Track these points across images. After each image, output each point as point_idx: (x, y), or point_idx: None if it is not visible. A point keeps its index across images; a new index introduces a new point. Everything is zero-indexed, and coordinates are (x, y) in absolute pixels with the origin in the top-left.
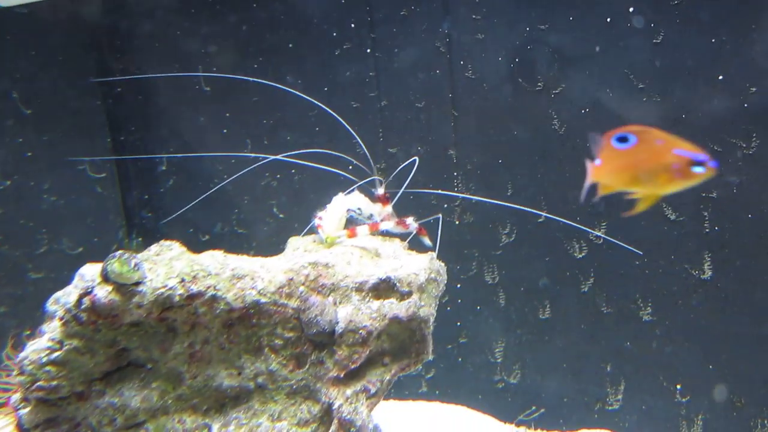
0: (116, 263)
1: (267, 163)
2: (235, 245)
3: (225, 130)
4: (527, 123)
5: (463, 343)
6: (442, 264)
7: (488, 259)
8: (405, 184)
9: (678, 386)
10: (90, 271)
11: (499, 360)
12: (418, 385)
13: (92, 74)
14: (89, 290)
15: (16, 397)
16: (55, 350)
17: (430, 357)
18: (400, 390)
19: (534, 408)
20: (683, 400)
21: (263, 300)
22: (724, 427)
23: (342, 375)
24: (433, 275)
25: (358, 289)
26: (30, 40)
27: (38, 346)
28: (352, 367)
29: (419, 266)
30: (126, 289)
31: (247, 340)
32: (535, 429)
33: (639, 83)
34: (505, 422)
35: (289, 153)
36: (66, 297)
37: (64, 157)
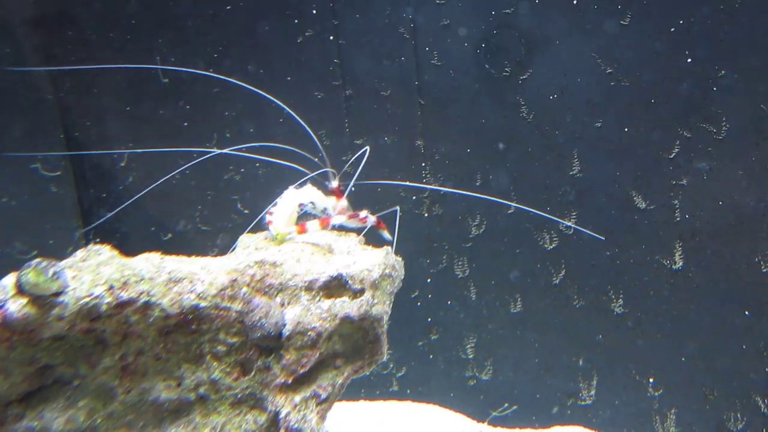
0: (31, 273)
1: (231, 157)
2: (198, 243)
3: (186, 123)
4: (495, 110)
5: (434, 339)
6: (399, 258)
7: (458, 252)
8: (355, 176)
9: (651, 380)
10: (9, 281)
11: (470, 356)
12: (390, 384)
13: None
14: (1, 304)
15: None
16: None
17: (385, 358)
18: (371, 390)
19: (506, 405)
20: (656, 394)
21: (203, 304)
22: (696, 421)
23: (290, 381)
24: (387, 271)
25: (308, 288)
26: None
27: None
28: (301, 371)
29: (373, 262)
30: (43, 300)
31: (186, 348)
32: (508, 427)
33: (607, 67)
34: (477, 421)
35: (236, 147)
36: None
37: (12, 153)
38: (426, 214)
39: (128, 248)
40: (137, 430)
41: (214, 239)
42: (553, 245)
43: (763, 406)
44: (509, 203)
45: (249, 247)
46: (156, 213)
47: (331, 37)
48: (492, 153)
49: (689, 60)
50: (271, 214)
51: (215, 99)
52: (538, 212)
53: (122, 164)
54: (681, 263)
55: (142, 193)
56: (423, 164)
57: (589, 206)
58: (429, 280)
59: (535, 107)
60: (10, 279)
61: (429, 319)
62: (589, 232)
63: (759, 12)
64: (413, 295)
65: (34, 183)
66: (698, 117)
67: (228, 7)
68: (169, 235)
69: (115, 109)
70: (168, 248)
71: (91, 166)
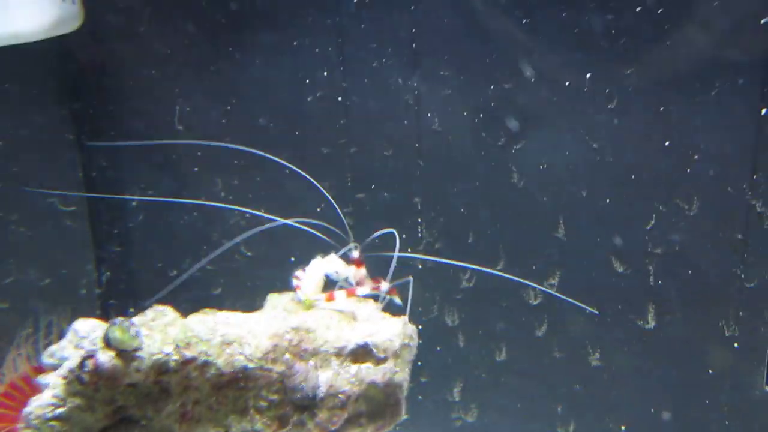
0: (117, 331)
1: (237, 202)
2: (202, 282)
3: (196, 169)
4: (488, 175)
5: (423, 382)
6: (414, 328)
7: (449, 303)
8: (393, 264)
9: (622, 427)
10: (84, 327)
11: (457, 399)
12: None
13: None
14: (91, 354)
15: None
16: (59, 407)
17: (404, 417)
18: None
19: None
20: None
21: (250, 365)
22: None
23: None
24: (406, 341)
25: (338, 354)
26: None
27: (42, 402)
28: (332, 429)
29: (394, 332)
30: (127, 354)
31: (234, 402)
32: None
33: (593, 144)
34: None
35: (274, 218)
36: (61, 351)
37: (32, 188)
38: (420, 266)
39: (137, 281)
40: None
41: (218, 278)
42: (537, 301)
43: None
44: (503, 274)
45: (277, 308)
46: (163, 250)
47: (340, 98)
48: (484, 214)
49: (667, 143)
50: (297, 278)
51: (226, 150)
52: (527, 282)
53: (134, 204)
54: (653, 323)
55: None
56: (419, 220)
57: (572, 267)
58: (421, 327)
59: (526, 175)
60: (83, 324)
61: (419, 363)
62: (581, 305)
63: (730, 104)
64: None
65: (51, 216)
66: (672, 194)
67: (240, 62)
68: (175, 272)
69: (130, 151)
70: (172, 283)
71: (105, 204)
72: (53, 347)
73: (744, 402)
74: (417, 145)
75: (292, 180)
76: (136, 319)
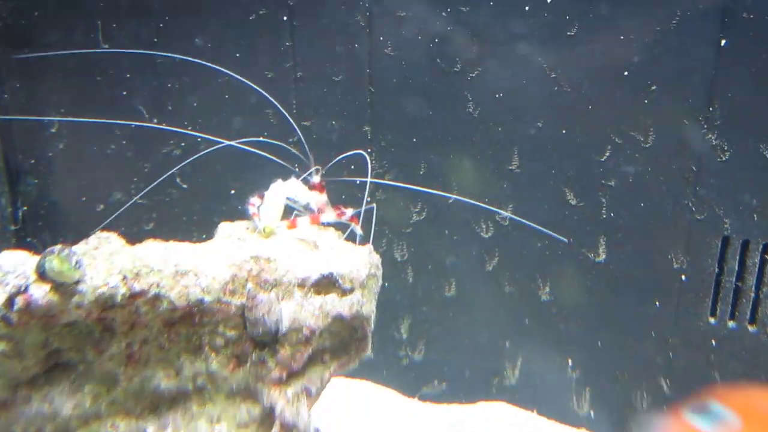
0: (56, 260)
1: (171, 131)
2: (133, 216)
3: (125, 92)
4: (443, 104)
5: None
6: (378, 257)
7: (398, 237)
8: (366, 190)
9: (569, 361)
10: (10, 262)
11: (404, 336)
12: None
13: None
14: (22, 289)
15: None
16: None
17: (368, 353)
18: None
19: (436, 382)
20: (573, 375)
21: (208, 298)
22: (608, 399)
23: (284, 375)
24: (373, 270)
25: (301, 284)
26: None
27: None
28: (295, 367)
29: (360, 261)
30: (65, 288)
31: (186, 340)
32: (437, 402)
33: (552, 73)
34: (408, 396)
35: (239, 140)
36: None
37: None
38: (368, 199)
39: (58, 217)
40: (135, 416)
41: (150, 213)
42: (489, 234)
43: (665, 386)
44: (477, 203)
45: (231, 237)
46: (88, 182)
47: (285, 18)
48: (437, 144)
49: (625, 73)
50: (253, 205)
51: (158, 70)
52: (490, 207)
53: (53, 130)
54: (603, 256)
55: (130, 202)
56: (369, 150)
57: (525, 199)
58: None
59: (481, 104)
60: (9, 258)
61: None
62: (553, 234)
63: (690, 34)
64: None
65: None
66: (629, 126)
67: None
68: (102, 207)
69: (49, 70)
70: (100, 220)
71: (20, 131)
72: None
73: (689, 335)
74: (368, 70)
75: (232, 104)
76: (76, 248)
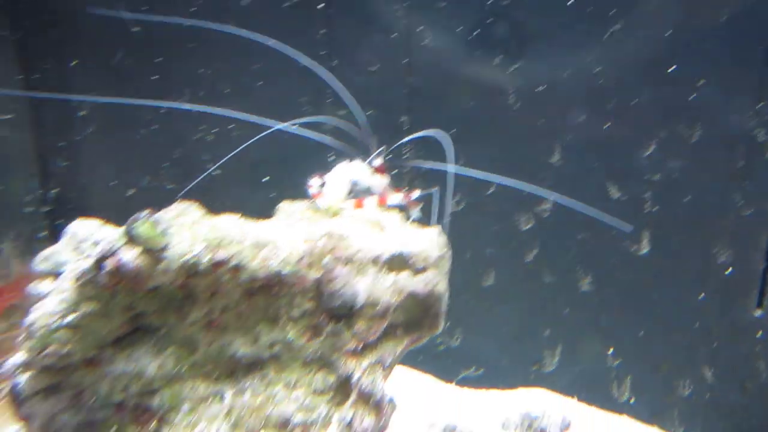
0: (144, 226)
1: (205, 115)
2: (164, 201)
3: (156, 77)
4: (482, 96)
5: None
6: (446, 239)
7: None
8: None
9: (610, 350)
10: (83, 229)
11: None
12: None
13: None
14: (112, 252)
15: (13, 362)
16: (69, 313)
17: (440, 330)
18: None
19: (474, 369)
20: (614, 363)
21: (286, 270)
22: (649, 386)
23: (360, 347)
24: (444, 251)
25: (374, 262)
26: None
27: (48, 309)
28: (370, 339)
29: (431, 240)
30: (153, 253)
31: (264, 310)
32: (476, 387)
33: (594, 67)
34: (445, 381)
35: (295, 121)
36: (57, 256)
37: None
38: (406, 188)
39: (88, 200)
40: (213, 380)
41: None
42: (529, 226)
43: (708, 375)
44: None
45: (293, 216)
46: (119, 167)
47: (321, 5)
48: (476, 136)
49: (673, 67)
50: (312, 186)
51: (190, 55)
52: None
53: (82, 113)
54: (647, 249)
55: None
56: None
57: (566, 193)
58: None
59: (522, 97)
60: (83, 226)
61: None
62: (615, 221)
63: (740, 30)
64: None
65: None
66: (677, 122)
67: None
68: (132, 191)
69: (80, 53)
70: (131, 204)
71: (51, 113)
72: (46, 251)
73: (733, 326)
74: (406, 60)
75: (265, 91)
76: (159, 216)
